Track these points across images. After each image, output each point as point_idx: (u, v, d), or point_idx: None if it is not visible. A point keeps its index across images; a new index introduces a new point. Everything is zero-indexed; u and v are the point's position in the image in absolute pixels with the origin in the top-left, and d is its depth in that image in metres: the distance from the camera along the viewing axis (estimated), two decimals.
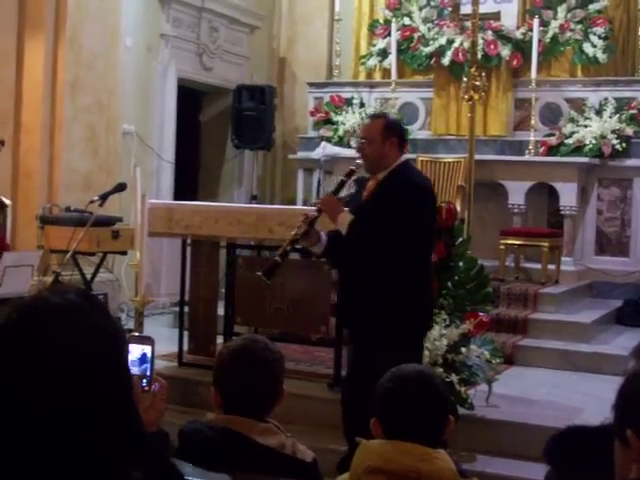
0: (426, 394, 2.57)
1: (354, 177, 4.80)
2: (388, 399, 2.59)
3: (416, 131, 9.87)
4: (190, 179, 10.62)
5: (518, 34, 9.54)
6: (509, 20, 9.65)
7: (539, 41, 9.20)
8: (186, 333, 6.49)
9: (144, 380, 2.01)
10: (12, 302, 1.29)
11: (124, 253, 7.38)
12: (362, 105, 10.25)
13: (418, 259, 4.46)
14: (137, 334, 2.07)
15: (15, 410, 1.21)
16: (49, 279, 6.71)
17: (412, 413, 2.54)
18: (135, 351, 2.00)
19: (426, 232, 4.51)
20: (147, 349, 2.02)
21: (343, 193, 5.31)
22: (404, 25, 10.10)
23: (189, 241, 6.51)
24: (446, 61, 9.66)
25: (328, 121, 10.27)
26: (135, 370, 1.97)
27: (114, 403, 1.27)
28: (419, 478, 2.39)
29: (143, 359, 2.01)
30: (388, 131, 4.55)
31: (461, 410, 5.12)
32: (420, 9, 10.14)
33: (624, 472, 1.48)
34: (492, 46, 9.44)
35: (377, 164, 4.54)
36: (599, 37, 9.38)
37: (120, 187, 6.34)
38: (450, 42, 9.68)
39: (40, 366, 1.22)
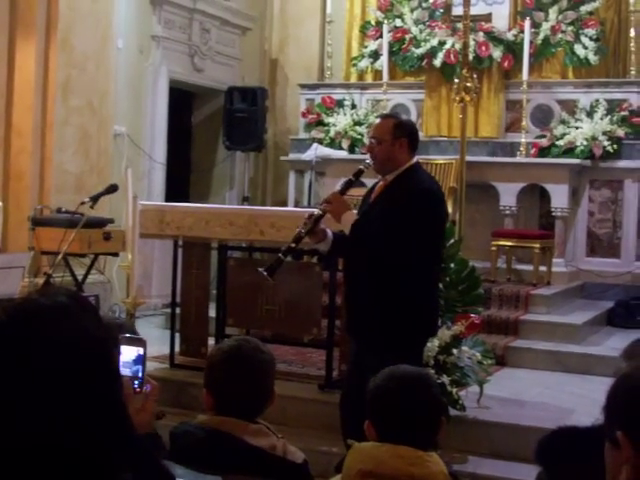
0: (418, 396, 2.56)
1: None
2: (380, 401, 2.59)
3: None
4: (181, 181, 10.61)
5: (509, 36, 9.55)
6: (500, 22, 9.66)
7: (530, 43, 9.21)
8: (177, 335, 6.48)
9: (136, 382, 2.00)
10: (1, 304, 1.28)
11: (115, 254, 7.37)
12: (354, 107, 10.25)
13: (425, 263, 4.33)
14: (128, 335, 2.05)
15: (3, 413, 1.20)
16: (40, 281, 6.69)
17: (405, 415, 2.53)
18: (128, 353, 1.99)
19: (434, 237, 4.38)
20: (140, 351, 2.01)
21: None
22: (396, 27, 10.11)
23: (180, 243, 6.51)
24: (437, 62, 9.67)
25: (320, 123, 10.27)
26: (127, 372, 1.96)
27: (103, 405, 1.26)
28: None
29: (137, 361, 2.00)
30: (398, 131, 4.39)
31: (452, 411, 5.12)
32: (412, 11, 10.14)
33: (615, 474, 1.48)
34: (483, 48, 9.45)
35: (386, 165, 4.41)
36: (590, 39, 9.40)
37: (111, 188, 6.33)
38: (442, 44, 9.69)
39: (29, 369, 1.21)
